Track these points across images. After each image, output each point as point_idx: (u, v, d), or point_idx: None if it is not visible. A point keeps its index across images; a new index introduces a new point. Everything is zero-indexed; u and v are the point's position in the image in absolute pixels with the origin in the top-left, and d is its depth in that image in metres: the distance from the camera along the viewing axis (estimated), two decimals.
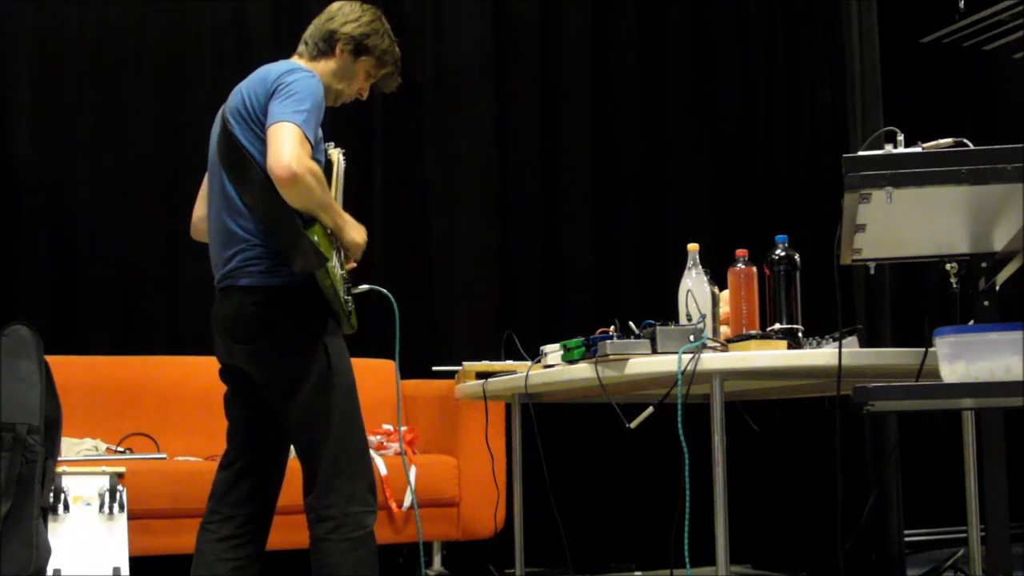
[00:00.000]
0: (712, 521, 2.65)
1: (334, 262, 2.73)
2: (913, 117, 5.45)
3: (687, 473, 2.59)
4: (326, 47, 2.92)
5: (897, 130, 2.10)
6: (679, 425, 2.61)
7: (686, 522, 2.58)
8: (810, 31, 5.51)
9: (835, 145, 5.08)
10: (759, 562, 4.99)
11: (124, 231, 4.61)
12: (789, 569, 4.79)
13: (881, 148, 2.04)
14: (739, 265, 2.98)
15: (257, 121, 2.72)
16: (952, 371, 2.09)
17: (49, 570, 3.17)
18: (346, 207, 2.89)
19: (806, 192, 5.32)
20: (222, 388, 4.50)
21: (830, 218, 2.33)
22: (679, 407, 2.60)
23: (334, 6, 2.98)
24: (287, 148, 2.57)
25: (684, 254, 3.07)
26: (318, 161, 2.72)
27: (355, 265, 2.92)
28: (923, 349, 2.42)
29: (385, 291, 2.91)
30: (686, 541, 2.60)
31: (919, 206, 2.08)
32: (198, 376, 4.49)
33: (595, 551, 4.91)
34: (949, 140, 2.09)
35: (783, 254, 2.90)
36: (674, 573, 3.16)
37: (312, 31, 2.95)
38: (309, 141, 2.63)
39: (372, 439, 4.08)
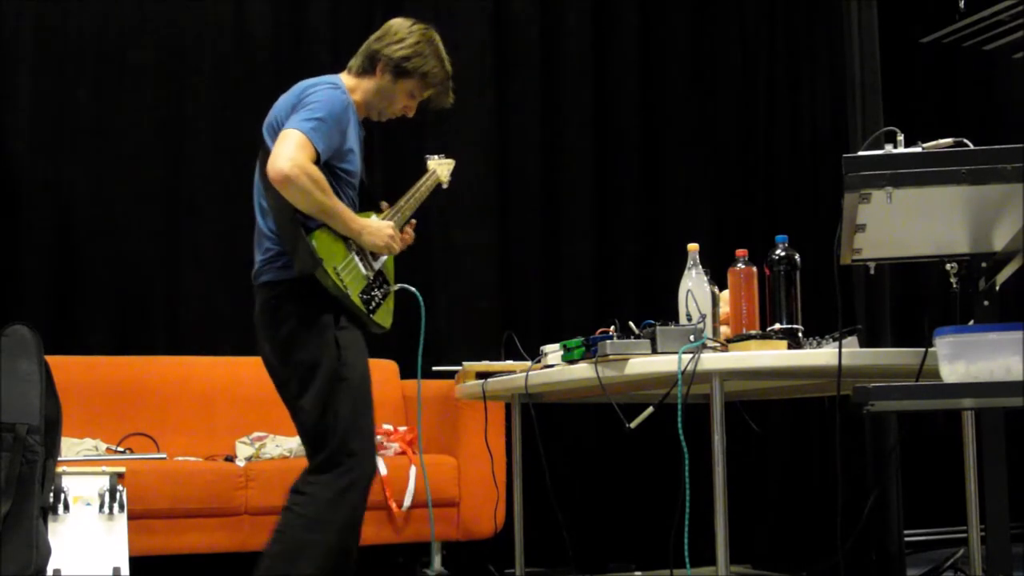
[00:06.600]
0: (712, 521, 2.65)
1: (343, 264, 2.83)
2: (913, 117, 5.45)
3: (687, 473, 2.59)
4: (369, 66, 3.01)
5: (897, 130, 2.10)
6: (679, 425, 2.61)
7: (686, 522, 2.59)
8: (810, 31, 5.51)
9: (835, 145, 5.08)
10: (759, 562, 4.98)
11: (124, 231, 4.61)
12: (789, 569, 4.78)
13: (881, 148, 2.04)
14: (739, 265, 2.98)
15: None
16: (952, 371, 2.08)
17: (49, 570, 3.16)
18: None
19: (806, 192, 5.31)
20: (221, 388, 4.57)
21: (830, 218, 2.33)
22: (679, 407, 2.60)
23: (387, 24, 3.06)
24: (284, 152, 2.71)
25: (684, 254, 3.07)
26: (344, 170, 2.86)
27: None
28: (923, 349, 2.42)
29: (413, 289, 3.04)
30: (686, 541, 2.60)
31: (919, 206, 2.08)
32: (198, 376, 4.50)
33: (595, 551, 4.91)
34: (949, 140, 2.09)
35: (783, 254, 2.90)
36: (674, 573, 3.16)
37: (363, 47, 3.04)
38: (315, 148, 2.74)
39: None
